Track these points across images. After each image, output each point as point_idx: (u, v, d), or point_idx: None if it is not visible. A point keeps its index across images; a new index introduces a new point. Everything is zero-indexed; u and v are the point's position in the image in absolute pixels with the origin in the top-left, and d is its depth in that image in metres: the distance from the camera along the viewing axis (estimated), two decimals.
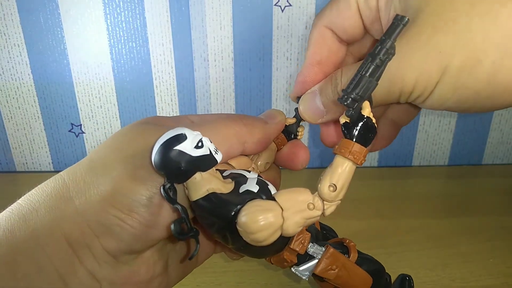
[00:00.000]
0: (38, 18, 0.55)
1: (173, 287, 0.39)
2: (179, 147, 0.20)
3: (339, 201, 0.23)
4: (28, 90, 0.59)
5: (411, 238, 0.46)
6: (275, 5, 0.55)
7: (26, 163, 0.63)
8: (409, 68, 0.21)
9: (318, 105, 0.26)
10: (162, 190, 0.20)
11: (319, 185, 0.22)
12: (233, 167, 0.26)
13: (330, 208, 0.23)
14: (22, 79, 0.59)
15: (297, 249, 0.23)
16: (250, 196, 0.21)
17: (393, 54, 0.21)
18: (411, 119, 0.33)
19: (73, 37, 0.57)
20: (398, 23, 0.20)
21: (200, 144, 0.20)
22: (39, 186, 0.23)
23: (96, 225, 0.21)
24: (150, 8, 0.55)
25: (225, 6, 0.55)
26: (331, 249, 0.24)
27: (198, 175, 0.21)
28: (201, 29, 0.56)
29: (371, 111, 0.22)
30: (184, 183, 0.21)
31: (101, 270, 0.22)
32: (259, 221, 0.20)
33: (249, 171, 0.24)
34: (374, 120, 0.22)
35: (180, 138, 0.20)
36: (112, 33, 0.57)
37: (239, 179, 0.23)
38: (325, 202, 0.22)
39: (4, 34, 0.56)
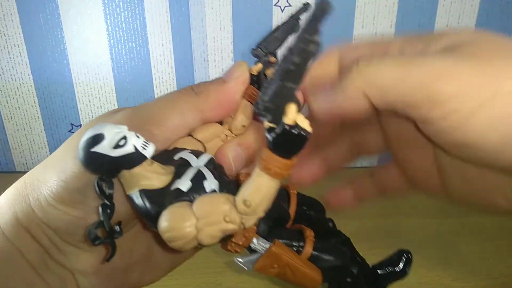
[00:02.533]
0: (38, 19, 0.55)
1: (173, 286, 0.39)
2: (96, 148, 0.19)
3: (262, 214, 0.20)
4: (28, 90, 0.59)
5: (411, 238, 0.46)
6: (275, 5, 0.55)
7: (26, 163, 0.63)
8: (449, 78, 0.18)
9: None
10: (95, 184, 0.20)
11: (235, 197, 0.20)
12: (199, 141, 0.24)
13: (249, 222, 0.20)
14: (22, 79, 0.59)
15: (240, 243, 0.22)
16: (175, 198, 0.20)
17: (315, 53, 0.16)
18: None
19: (73, 37, 0.57)
20: (318, 11, 0.16)
21: (122, 142, 0.19)
22: (8, 189, 0.24)
23: (48, 220, 0.21)
24: (150, 9, 0.55)
25: (225, 7, 0.55)
26: (273, 248, 0.22)
27: (126, 172, 0.20)
28: (201, 30, 0.56)
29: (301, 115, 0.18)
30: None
31: (69, 261, 0.22)
32: (172, 230, 0.19)
33: (201, 154, 0.22)
34: (304, 124, 0.17)
35: (98, 138, 0.19)
36: (112, 34, 0.57)
37: (180, 169, 0.21)
38: (242, 216, 0.20)
39: (4, 34, 0.56)
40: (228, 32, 0.57)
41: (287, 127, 0.17)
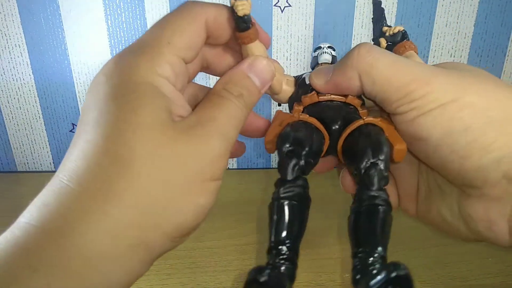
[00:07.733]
0: (39, 19, 0.56)
1: (173, 286, 0.40)
2: None
3: None
4: (29, 90, 0.60)
5: (411, 237, 0.46)
6: (275, 5, 0.56)
7: (27, 163, 0.64)
8: (422, 83, 0.21)
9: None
10: None
11: None
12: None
13: None
14: (23, 79, 0.59)
15: None
16: None
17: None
18: None
19: (74, 37, 0.57)
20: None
21: None
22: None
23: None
24: (151, 9, 0.56)
25: None
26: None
27: None
28: None
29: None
30: None
31: None
32: None
33: None
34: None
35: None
36: (112, 34, 0.57)
37: None
38: None
39: (5, 34, 0.56)
40: None
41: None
